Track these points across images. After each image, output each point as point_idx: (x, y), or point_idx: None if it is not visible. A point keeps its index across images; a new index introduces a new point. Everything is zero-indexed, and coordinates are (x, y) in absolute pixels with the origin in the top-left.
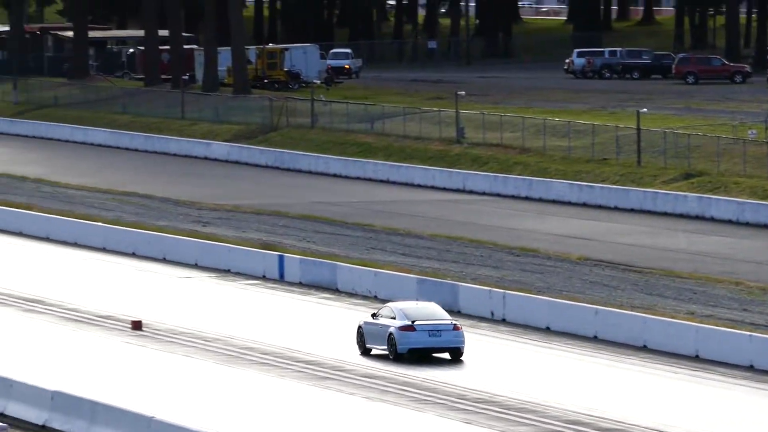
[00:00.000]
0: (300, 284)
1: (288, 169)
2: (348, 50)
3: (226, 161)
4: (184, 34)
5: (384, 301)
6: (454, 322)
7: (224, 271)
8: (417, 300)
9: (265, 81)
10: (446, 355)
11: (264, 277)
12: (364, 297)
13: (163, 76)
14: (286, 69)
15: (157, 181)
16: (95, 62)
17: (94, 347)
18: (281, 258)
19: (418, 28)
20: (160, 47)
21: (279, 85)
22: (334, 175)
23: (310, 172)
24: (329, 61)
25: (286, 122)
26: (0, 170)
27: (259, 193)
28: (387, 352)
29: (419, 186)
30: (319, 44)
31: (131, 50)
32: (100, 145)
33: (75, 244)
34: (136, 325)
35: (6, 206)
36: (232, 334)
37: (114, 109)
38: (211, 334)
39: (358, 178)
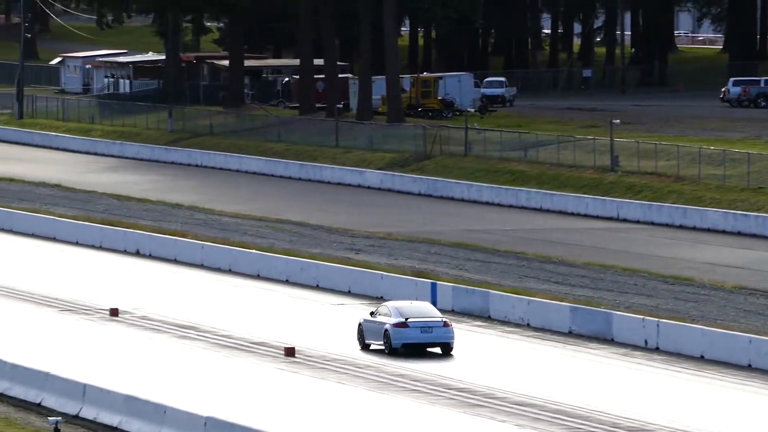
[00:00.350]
0: (452, 311)
1: (441, 197)
2: (502, 78)
3: (379, 189)
4: (338, 62)
5: (536, 329)
6: (444, 319)
7: (376, 299)
8: (412, 300)
9: (419, 109)
10: (438, 350)
11: None
12: (517, 325)
13: (317, 105)
14: (440, 97)
15: (311, 208)
16: (250, 91)
17: (247, 373)
18: (433, 285)
19: (573, 56)
20: (315, 76)
21: (433, 114)
22: (487, 203)
23: (462, 200)
24: (483, 90)
25: (439, 150)
26: (155, 197)
27: (412, 220)
28: (383, 347)
29: (572, 214)
30: (474, 72)
31: (286, 79)
32: (254, 173)
33: (229, 271)
34: (289, 352)
35: (161, 233)
36: (384, 362)
37: (269, 138)
38: (363, 361)
39: (510, 206)
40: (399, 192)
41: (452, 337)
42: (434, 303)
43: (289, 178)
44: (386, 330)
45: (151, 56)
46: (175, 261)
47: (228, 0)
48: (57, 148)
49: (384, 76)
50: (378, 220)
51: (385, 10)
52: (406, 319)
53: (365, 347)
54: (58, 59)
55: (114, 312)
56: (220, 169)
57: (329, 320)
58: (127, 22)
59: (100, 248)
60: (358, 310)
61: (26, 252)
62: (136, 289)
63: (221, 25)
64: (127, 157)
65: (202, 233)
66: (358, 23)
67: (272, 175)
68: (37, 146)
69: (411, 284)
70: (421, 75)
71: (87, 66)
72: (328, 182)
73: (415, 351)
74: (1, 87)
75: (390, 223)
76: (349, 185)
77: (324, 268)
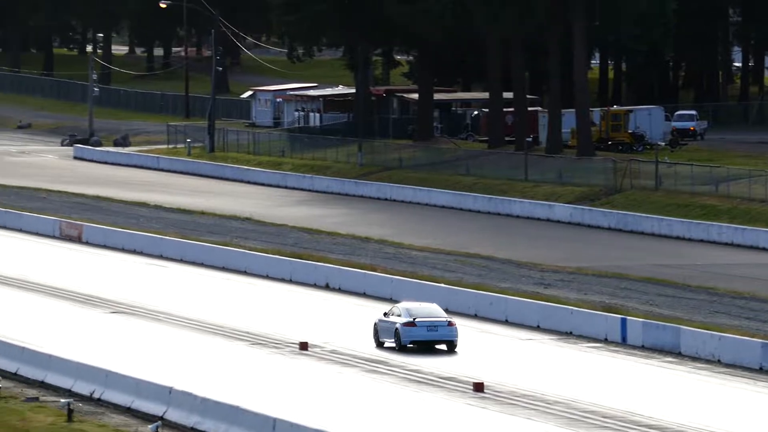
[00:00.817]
0: (642, 347)
1: (631, 232)
2: (693, 112)
3: (569, 223)
4: (528, 95)
5: (727, 365)
6: (449, 319)
7: (566, 334)
8: (421, 301)
9: (609, 143)
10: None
11: (606, 340)
12: (707, 361)
13: (506, 138)
14: (630, 131)
15: (499, 242)
16: (440, 124)
17: (437, 409)
18: (623, 321)
19: (765, 89)
20: (504, 109)
21: (623, 147)
22: (677, 238)
23: (652, 235)
24: (674, 123)
25: (629, 184)
26: (344, 231)
27: (601, 255)
28: (394, 344)
29: (764, 249)
30: (664, 106)
31: (475, 112)
32: (443, 207)
33: None
34: (478, 387)
35: (350, 267)
36: (574, 397)
37: (457, 171)
38: (552, 396)
39: (701, 241)
40: (588, 226)
41: (456, 335)
42: (624, 339)
43: (478, 211)
44: (396, 329)
45: (341, 89)
46: (364, 294)
47: (418, 33)
48: (248, 182)
49: (573, 109)
50: (567, 254)
51: (574, 42)
52: (414, 318)
53: (380, 345)
54: (249, 93)
55: (304, 346)
56: (409, 202)
57: (518, 355)
58: (318, 55)
59: (290, 281)
60: (548, 346)
61: (217, 285)
62: (325, 322)
63: (411, 58)
64: (316, 191)
65: (392, 267)
66: (547, 56)
67: (461, 209)
68: (227, 179)
69: (601, 319)
70: (611, 108)
71: (277, 99)
72: (517, 216)
73: (423, 348)
74: (193, 120)
75: (579, 257)
76: (538, 219)
77: (513, 302)
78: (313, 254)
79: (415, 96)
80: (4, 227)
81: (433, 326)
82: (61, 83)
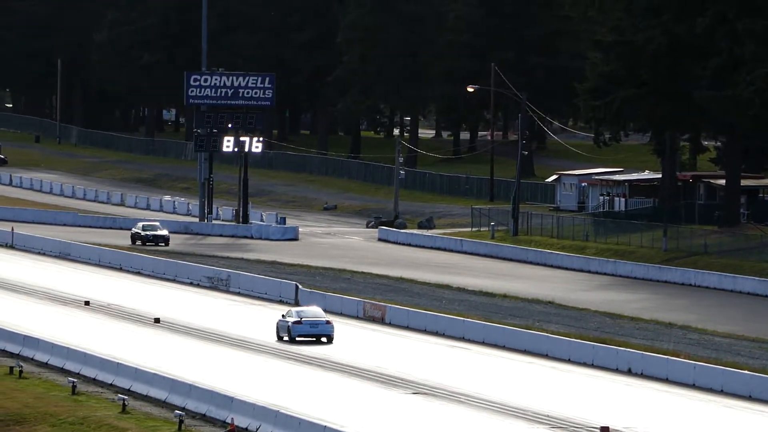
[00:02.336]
0: None
1: None
2: None
3: None
4: None
5: None
6: (327, 319)
7: None
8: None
9: None
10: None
11: None
12: None
13: None
14: None
15: None
16: (746, 210)
17: None
18: None
19: None
20: None
21: None
22: None
23: None
24: None
25: None
26: (647, 316)
27: None
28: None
29: None
30: None
31: None
32: (748, 293)
33: (720, 392)
34: None
35: (653, 352)
36: None
37: (764, 258)
38: None
39: None
40: None
41: (332, 331)
42: None
43: None
44: (288, 326)
45: (647, 174)
46: (666, 380)
47: (728, 119)
48: (550, 265)
49: None
50: None
51: None
52: (301, 318)
53: (279, 339)
54: (553, 177)
55: (605, 430)
56: (714, 288)
57: None
58: (624, 140)
59: (592, 365)
60: None
61: (518, 368)
62: (627, 407)
63: (719, 144)
64: (620, 275)
65: (695, 353)
66: None
67: (767, 296)
68: (530, 263)
69: None
70: None
71: (582, 183)
72: None
73: (308, 340)
74: (497, 203)
75: None
76: None
77: None
78: (615, 339)
79: (722, 182)
80: None
81: (314, 324)
82: (367, 166)
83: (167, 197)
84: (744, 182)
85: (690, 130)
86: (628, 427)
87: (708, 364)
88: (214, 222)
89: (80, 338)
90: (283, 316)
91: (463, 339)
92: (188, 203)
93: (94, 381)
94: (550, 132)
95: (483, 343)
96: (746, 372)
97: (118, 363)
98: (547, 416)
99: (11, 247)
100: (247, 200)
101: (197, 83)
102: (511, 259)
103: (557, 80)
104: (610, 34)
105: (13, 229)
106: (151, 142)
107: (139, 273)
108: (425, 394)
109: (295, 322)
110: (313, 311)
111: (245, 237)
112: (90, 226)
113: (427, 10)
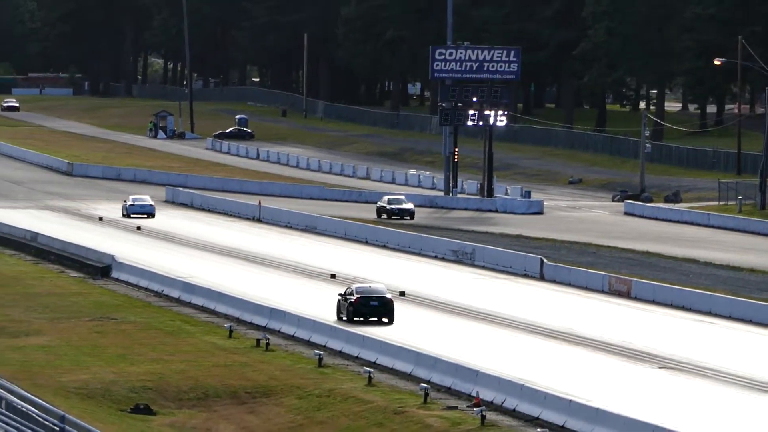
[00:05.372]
0: None
1: None
2: None
3: None
4: None
5: None
6: (389, 296)
7: None
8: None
9: None
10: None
11: None
12: None
13: None
14: None
15: None
16: None
17: None
18: None
19: None
20: None
21: None
22: None
23: None
24: None
25: None
26: None
27: None
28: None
29: None
30: None
31: None
32: None
33: None
34: None
35: None
36: None
37: None
38: None
39: None
40: None
41: (392, 310)
42: None
43: None
44: (350, 304)
45: None
46: None
47: None
48: None
49: None
50: None
51: None
52: (361, 295)
53: (339, 319)
54: None
55: None
56: None
57: None
58: None
59: None
60: None
61: (766, 342)
62: None
63: None
64: None
65: None
66: None
67: None
68: None
69: None
70: None
71: None
72: None
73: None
74: (745, 177)
75: None
76: None
77: None
78: None
79: None
80: (554, 281)
81: (375, 301)
82: (613, 139)
83: (412, 171)
84: None
85: None
86: None
87: None
88: (458, 196)
89: (326, 312)
90: (340, 295)
91: (709, 314)
92: (433, 177)
93: (340, 354)
94: None
95: (730, 318)
96: None
97: (363, 336)
98: None
99: (259, 220)
100: (491, 174)
101: (442, 57)
102: (759, 233)
103: None
104: None
105: (260, 203)
106: (396, 116)
107: (384, 246)
108: (671, 368)
109: (355, 300)
110: (374, 287)
111: (490, 210)
112: (336, 200)
113: None
